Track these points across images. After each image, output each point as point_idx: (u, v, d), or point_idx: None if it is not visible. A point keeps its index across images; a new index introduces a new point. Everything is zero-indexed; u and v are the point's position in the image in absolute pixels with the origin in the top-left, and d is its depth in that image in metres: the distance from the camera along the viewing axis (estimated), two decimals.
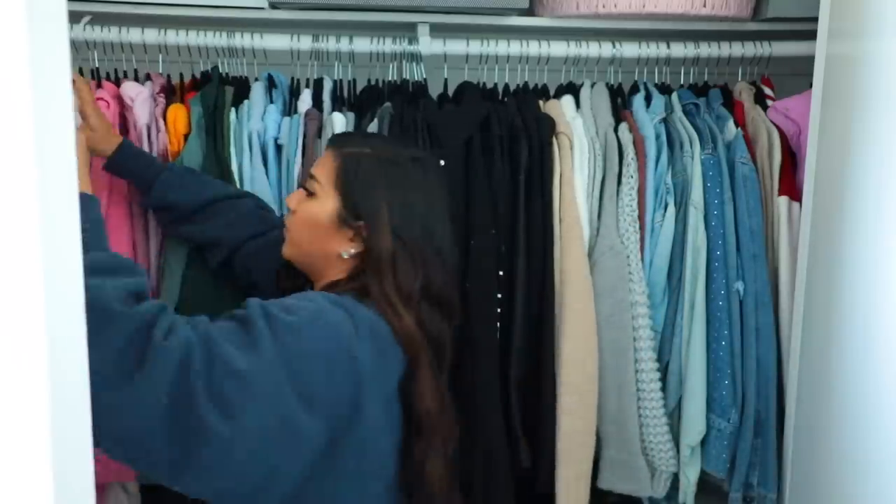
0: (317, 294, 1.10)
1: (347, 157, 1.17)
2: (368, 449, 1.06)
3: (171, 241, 1.47)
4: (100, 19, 1.60)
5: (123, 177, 1.45)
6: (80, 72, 1.61)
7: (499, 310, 1.49)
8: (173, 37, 1.61)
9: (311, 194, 1.18)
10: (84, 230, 0.97)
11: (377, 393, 1.06)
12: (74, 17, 1.57)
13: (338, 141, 1.23)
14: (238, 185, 1.52)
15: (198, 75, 1.67)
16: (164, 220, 1.48)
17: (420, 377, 1.10)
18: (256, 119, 1.54)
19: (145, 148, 1.52)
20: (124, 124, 1.53)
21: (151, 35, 1.60)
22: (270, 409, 0.93)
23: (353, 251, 1.15)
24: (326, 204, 1.16)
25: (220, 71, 1.64)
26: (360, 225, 1.14)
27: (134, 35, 1.60)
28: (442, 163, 1.39)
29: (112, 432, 0.86)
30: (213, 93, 1.55)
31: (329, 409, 0.99)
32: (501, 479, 1.46)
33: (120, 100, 1.53)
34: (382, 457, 1.09)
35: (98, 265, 0.93)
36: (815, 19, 1.41)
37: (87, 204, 1.10)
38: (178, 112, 1.54)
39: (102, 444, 0.84)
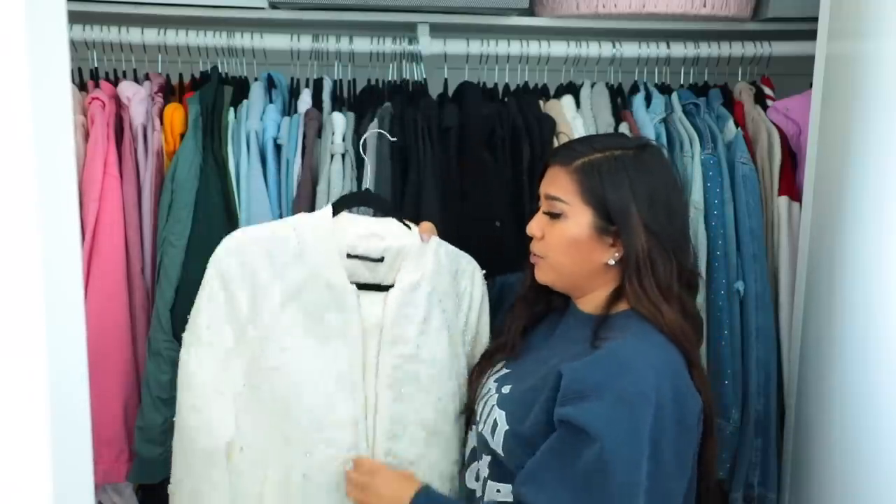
0: (623, 356, 1.08)
1: (584, 167, 1.14)
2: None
3: (167, 244, 1.47)
4: (100, 19, 1.60)
5: None
6: (80, 72, 1.61)
7: None
8: (173, 37, 1.61)
9: (556, 216, 1.16)
10: None
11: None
12: (74, 18, 1.57)
13: (561, 156, 1.18)
14: (235, 184, 1.51)
15: (197, 75, 1.67)
16: None
17: (696, 374, 1.11)
18: (255, 119, 1.54)
19: (140, 147, 1.52)
20: (120, 124, 1.52)
21: (151, 35, 1.60)
22: None
23: (617, 255, 1.14)
24: (580, 219, 1.14)
25: (220, 71, 1.64)
26: (617, 228, 1.13)
27: (133, 35, 1.60)
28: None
29: None
30: (211, 92, 1.55)
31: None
32: None
33: (117, 99, 1.53)
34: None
35: None
36: (815, 19, 1.41)
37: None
38: (174, 111, 1.54)
39: None
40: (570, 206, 1.15)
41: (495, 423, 1.14)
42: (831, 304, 1.35)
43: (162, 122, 1.53)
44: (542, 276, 1.21)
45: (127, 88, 1.53)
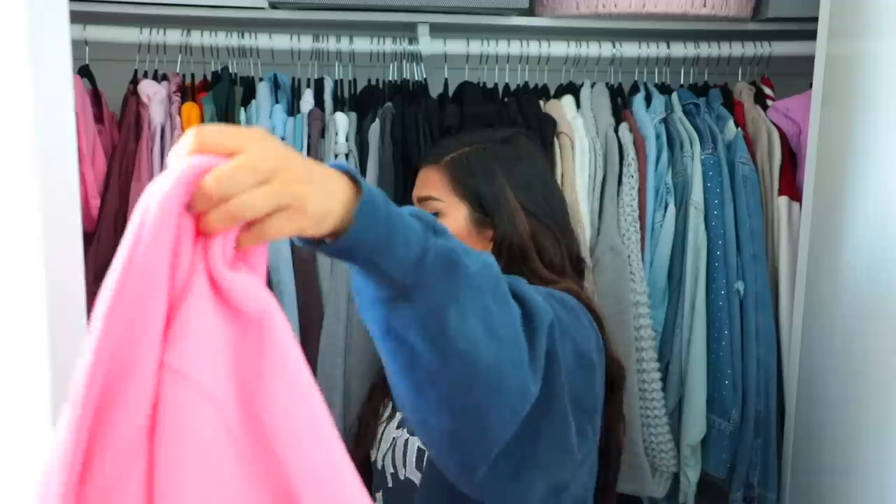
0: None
1: (454, 162, 1.14)
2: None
3: None
4: (99, 19, 1.60)
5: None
6: (80, 72, 1.61)
7: None
8: (173, 37, 1.61)
9: (434, 216, 1.10)
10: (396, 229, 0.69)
11: None
12: (75, 18, 1.56)
13: (430, 156, 1.19)
14: None
15: (197, 75, 1.67)
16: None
17: (605, 337, 1.07)
18: (264, 118, 1.55)
19: (156, 146, 1.52)
20: (138, 122, 1.53)
21: (151, 35, 1.60)
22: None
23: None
24: (457, 214, 1.13)
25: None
26: (492, 220, 1.12)
27: (131, 35, 1.60)
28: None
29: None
30: (224, 92, 1.56)
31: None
32: None
33: (136, 97, 1.53)
34: None
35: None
36: (815, 19, 1.41)
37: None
38: (191, 111, 1.55)
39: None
40: (444, 202, 1.14)
41: (405, 449, 1.07)
42: (831, 304, 1.35)
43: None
44: None
45: (148, 87, 1.54)
